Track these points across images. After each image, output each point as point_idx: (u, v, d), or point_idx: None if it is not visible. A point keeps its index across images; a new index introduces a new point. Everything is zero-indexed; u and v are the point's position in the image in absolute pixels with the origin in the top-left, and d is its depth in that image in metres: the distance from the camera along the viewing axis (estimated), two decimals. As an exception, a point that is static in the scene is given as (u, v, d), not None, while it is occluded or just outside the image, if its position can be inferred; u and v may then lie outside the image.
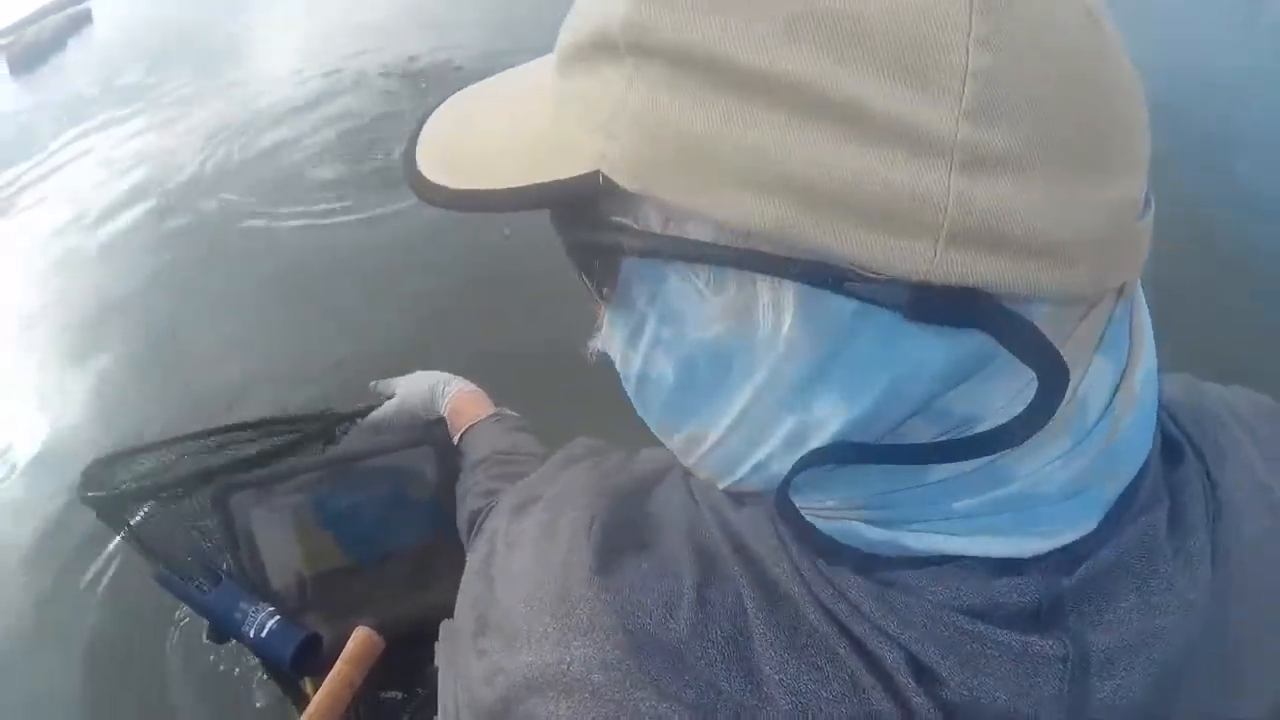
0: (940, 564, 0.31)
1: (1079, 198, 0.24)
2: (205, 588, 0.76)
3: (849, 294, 0.24)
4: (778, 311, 0.26)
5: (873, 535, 0.31)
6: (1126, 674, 0.32)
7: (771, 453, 0.30)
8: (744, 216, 0.25)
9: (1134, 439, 0.31)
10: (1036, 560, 0.31)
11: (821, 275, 0.25)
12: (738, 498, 0.35)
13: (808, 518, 0.32)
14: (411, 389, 0.87)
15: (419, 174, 0.33)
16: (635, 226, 0.28)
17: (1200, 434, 0.37)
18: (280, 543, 0.77)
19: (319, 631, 0.75)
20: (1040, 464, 0.29)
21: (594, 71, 0.28)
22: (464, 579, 0.44)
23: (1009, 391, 0.27)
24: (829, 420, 0.28)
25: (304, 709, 0.72)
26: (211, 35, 3.81)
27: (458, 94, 0.37)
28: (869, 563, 0.31)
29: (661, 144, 0.26)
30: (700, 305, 0.28)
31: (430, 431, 0.82)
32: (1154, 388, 0.32)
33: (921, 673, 0.30)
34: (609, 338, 0.34)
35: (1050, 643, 0.31)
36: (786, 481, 0.30)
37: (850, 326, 0.25)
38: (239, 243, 2.42)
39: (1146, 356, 0.31)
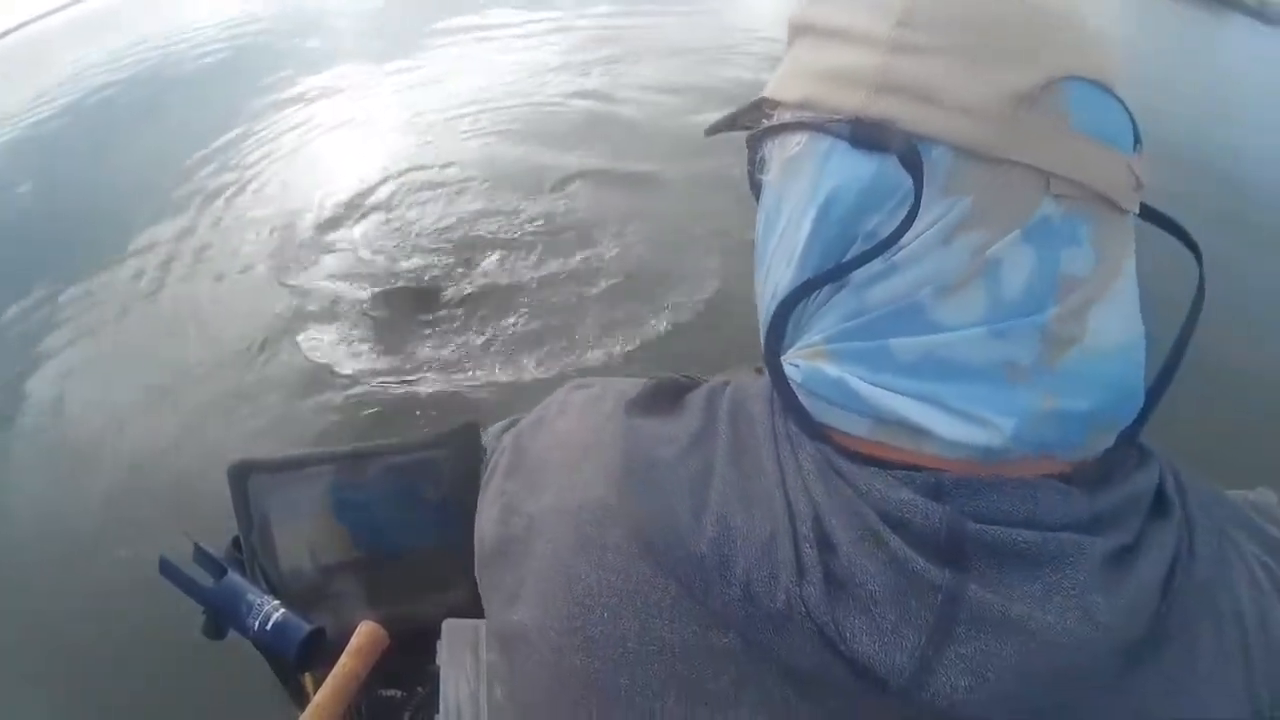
0: (879, 467, 0.38)
1: (967, 75, 0.38)
2: (209, 579, 0.75)
3: (826, 131, 0.41)
4: (799, 150, 0.43)
5: (830, 371, 0.40)
6: (992, 647, 0.33)
7: (780, 279, 0.44)
8: (798, 96, 0.44)
9: (1080, 375, 0.37)
10: (955, 489, 0.36)
11: (819, 123, 0.42)
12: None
13: (795, 360, 0.42)
14: None
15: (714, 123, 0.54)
16: (765, 118, 0.47)
17: (1205, 519, 0.39)
18: (293, 528, 0.76)
19: (323, 625, 0.74)
20: (964, 318, 0.37)
21: None
22: (517, 429, 0.54)
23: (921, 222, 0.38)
24: (806, 231, 0.42)
25: (303, 703, 0.71)
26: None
27: None
28: (824, 434, 0.40)
29: (782, 67, 0.47)
30: (776, 157, 0.45)
31: (453, 435, 0.82)
32: (1130, 357, 0.39)
33: (822, 536, 0.37)
34: (757, 220, 0.48)
35: (933, 569, 0.34)
36: (776, 335, 0.43)
37: (825, 155, 0.42)
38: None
39: (1117, 314, 0.38)
